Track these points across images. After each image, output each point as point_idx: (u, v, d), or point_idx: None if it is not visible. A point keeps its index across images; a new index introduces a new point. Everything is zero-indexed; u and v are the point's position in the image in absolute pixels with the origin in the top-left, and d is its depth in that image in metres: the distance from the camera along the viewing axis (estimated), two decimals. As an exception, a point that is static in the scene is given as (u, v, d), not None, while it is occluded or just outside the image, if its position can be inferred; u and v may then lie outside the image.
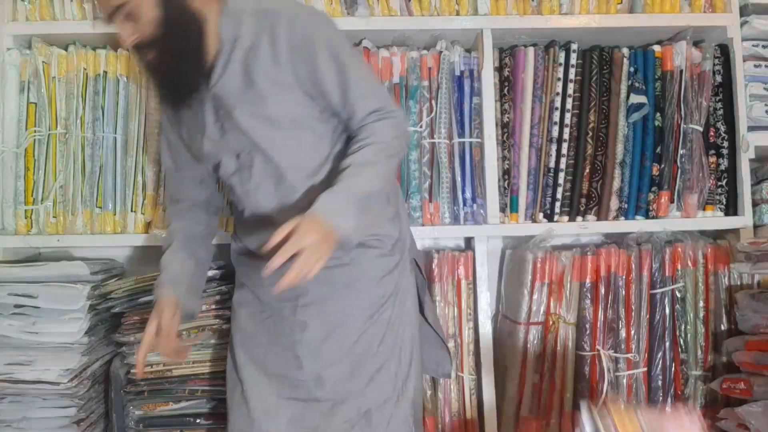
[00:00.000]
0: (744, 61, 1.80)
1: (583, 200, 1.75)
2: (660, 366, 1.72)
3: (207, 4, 1.22)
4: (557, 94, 1.76)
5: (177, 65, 1.21)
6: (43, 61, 1.72)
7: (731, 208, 1.79)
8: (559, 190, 1.75)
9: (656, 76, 1.80)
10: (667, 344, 1.72)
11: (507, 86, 1.78)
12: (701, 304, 1.73)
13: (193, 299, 1.38)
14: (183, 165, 1.41)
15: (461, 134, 1.76)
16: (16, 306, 1.55)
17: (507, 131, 1.77)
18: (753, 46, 1.81)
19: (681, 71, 1.78)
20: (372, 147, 1.20)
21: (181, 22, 1.19)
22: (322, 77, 1.22)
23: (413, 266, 1.41)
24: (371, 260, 1.29)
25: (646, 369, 1.72)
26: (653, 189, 1.77)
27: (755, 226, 1.76)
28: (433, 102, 1.76)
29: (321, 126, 1.28)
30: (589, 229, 1.76)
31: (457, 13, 1.78)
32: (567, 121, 1.76)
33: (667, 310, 1.73)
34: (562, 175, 1.75)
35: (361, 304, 1.28)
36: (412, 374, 1.30)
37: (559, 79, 1.77)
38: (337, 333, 1.27)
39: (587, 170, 1.75)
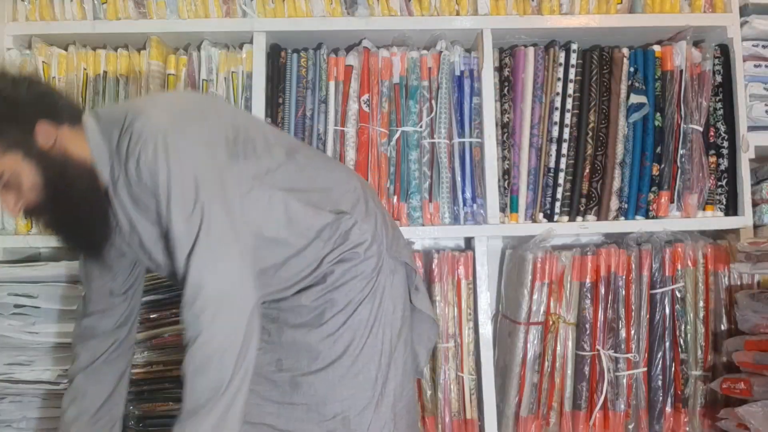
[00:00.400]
0: (744, 61, 1.80)
1: (583, 200, 1.75)
2: (660, 366, 1.72)
3: (81, 144, 1.12)
4: (557, 94, 1.76)
5: (80, 221, 1.14)
6: (43, 62, 1.72)
7: (731, 208, 1.79)
8: (559, 190, 1.75)
9: (656, 76, 1.80)
10: (667, 344, 1.72)
11: (507, 86, 1.78)
12: (701, 304, 1.73)
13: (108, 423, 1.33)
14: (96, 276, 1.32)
15: (461, 134, 1.76)
16: (16, 306, 1.55)
17: (507, 131, 1.77)
18: (753, 46, 1.81)
19: (681, 71, 1.78)
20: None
21: (68, 179, 1.09)
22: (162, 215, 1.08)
23: (398, 265, 1.34)
24: (347, 271, 1.25)
25: (646, 369, 1.72)
26: (653, 189, 1.77)
27: (755, 226, 1.76)
28: (433, 102, 1.77)
29: None
30: (589, 229, 1.76)
31: (457, 13, 1.78)
32: (567, 121, 1.76)
33: (667, 310, 1.73)
34: (562, 175, 1.75)
35: (336, 308, 1.25)
36: (391, 377, 1.26)
37: (559, 79, 1.77)
38: (313, 335, 1.24)
39: (587, 170, 1.75)
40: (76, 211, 1.12)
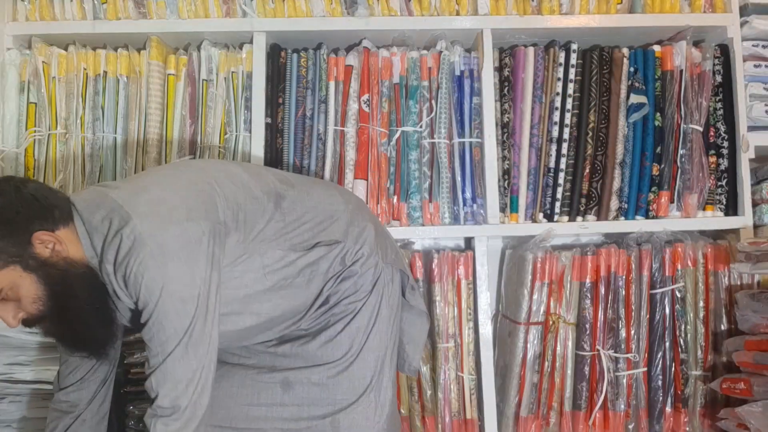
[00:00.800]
0: (744, 61, 1.80)
1: (583, 200, 1.75)
2: (660, 366, 1.72)
3: (76, 242, 1.09)
4: (557, 94, 1.76)
5: (87, 326, 1.12)
6: (43, 61, 1.73)
7: (731, 208, 1.79)
8: (559, 190, 1.75)
9: (656, 76, 1.80)
10: (667, 344, 1.72)
11: (507, 86, 1.78)
12: (701, 304, 1.73)
13: None
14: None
15: (461, 134, 1.76)
16: (16, 306, 1.55)
17: (507, 131, 1.77)
18: (753, 46, 1.81)
19: (681, 71, 1.78)
20: None
21: (72, 286, 1.07)
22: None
23: (395, 272, 1.36)
24: (348, 288, 1.28)
25: (646, 369, 1.72)
26: (653, 189, 1.77)
27: (755, 226, 1.76)
28: (433, 102, 1.77)
29: None
30: (589, 229, 1.76)
31: (457, 13, 1.78)
32: (567, 121, 1.76)
33: (667, 310, 1.73)
34: (562, 175, 1.75)
35: (333, 318, 1.28)
36: (384, 382, 1.28)
37: (559, 79, 1.77)
38: (312, 344, 1.26)
39: (587, 170, 1.75)
40: (82, 317, 1.10)
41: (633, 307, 1.71)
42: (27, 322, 1.09)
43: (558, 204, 1.75)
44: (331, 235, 1.27)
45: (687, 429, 1.72)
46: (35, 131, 1.72)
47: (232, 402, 1.26)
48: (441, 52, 1.78)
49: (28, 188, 1.09)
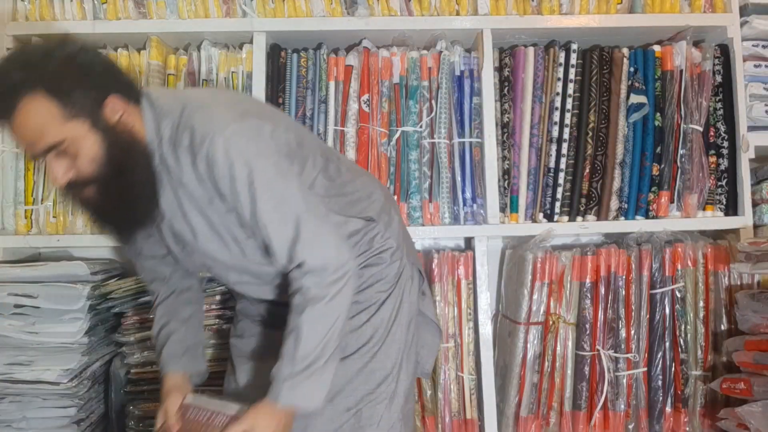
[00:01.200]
0: (744, 61, 1.80)
1: (583, 200, 1.75)
2: (660, 366, 1.72)
3: (140, 124, 1.11)
4: (557, 94, 1.76)
5: (130, 201, 1.11)
6: (43, 61, 1.72)
7: (731, 208, 1.79)
8: (559, 190, 1.75)
9: (656, 76, 1.80)
10: (667, 344, 1.72)
11: (507, 86, 1.78)
12: (701, 304, 1.73)
13: (198, 361, 1.37)
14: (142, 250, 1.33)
15: (461, 134, 1.76)
16: (16, 306, 1.55)
17: (507, 131, 1.77)
18: (753, 46, 1.81)
19: (681, 71, 1.78)
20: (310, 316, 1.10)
21: (131, 158, 1.08)
22: (241, 209, 1.10)
23: (415, 271, 1.38)
24: (373, 275, 1.28)
25: (646, 369, 1.72)
26: (653, 189, 1.77)
27: (755, 226, 1.76)
28: (433, 102, 1.77)
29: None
30: (589, 229, 1.76)
31: (457, 13, 1.78)
32: (567, 121, 1.76)
33: (667, 310, 1.73)
34: (562, 175, 1.75)
35: (360, 307, 1.27)
36: (402, 377, 1.29)
37: (559, 79, 1.77)
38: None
39: (587, 170, 1.75)
40: (129, 191, 1.10)
41: (633, 307, 1.71)
42: (73, 184, 1.07)
43: (558, 204, 1.75)
44: (367, 212, 1.27)
45: (687, 429, 1.72)
46: (35, 131, 1.72)
47: (257, 394, 1.26)
48: (441, 52, 1.78)
49: (109, 58, 1.14)
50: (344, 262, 1.11)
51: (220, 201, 1.11)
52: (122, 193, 1.10)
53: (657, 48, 1.81)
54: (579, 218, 1.76)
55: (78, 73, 1.04)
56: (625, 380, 1.71)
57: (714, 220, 1.77)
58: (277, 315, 1.29)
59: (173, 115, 1.10)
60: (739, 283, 1.75)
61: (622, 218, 1.77)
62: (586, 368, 1.71)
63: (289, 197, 1.09)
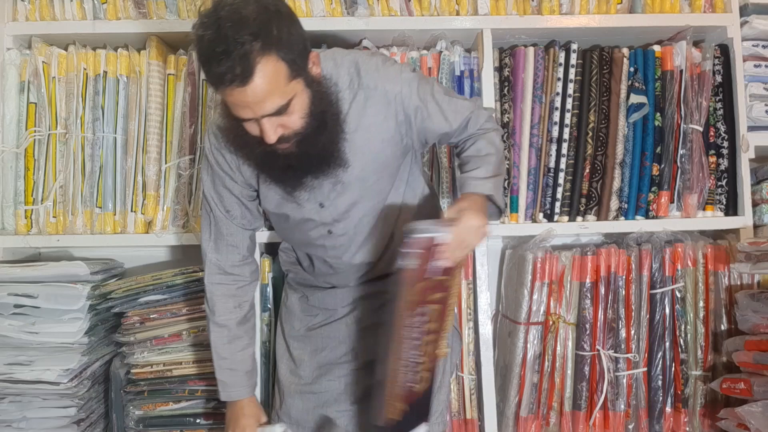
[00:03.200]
0: (744, 61, 1.80)
1: (583, 200, 1.75)
2: (660, 366, 1.72)
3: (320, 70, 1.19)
4: (557, 94, 1.76)
5: (324, 149, 1.17)
6: (43, 61, 1.72)
7: (731, 208, 1.79)
8: (559, 190, 1.75)
9: (656, 76, 1.80)
10: (667, 344, 1.72)
11: (507, 86, 1.78)
12: (701, 304, 1.73)
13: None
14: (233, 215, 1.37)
15: (461, 134, 1.76)
16: (16, 306, 1.55)
17: (507, 131, 1.77)
18: (753, 46, 1.81)
19: (681, 71, 1.78)
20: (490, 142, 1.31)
21: (329, 107, 1.16)
22: (432, 127, 1.29)
23: None
24: None
25: (646, 369, 1.72)
26: (653, 189, 1.77)
27: (755, 226, 1.76)
28: (433, 102, 1.76)
29: (398, 162, 1.33)
30: (589, 229, 1.76)
31: (457, 13, 1.78)
32: (567, 121, 1.76)
33: (667, 310, 1.73)
34: (562, 175, 1.75)
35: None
36: (447, 372, 1.37)
37: (559, 79, 1.77)
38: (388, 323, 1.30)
39: (587, 170, 1.75)
40: (327, 138, 1.16)
41: (633, 307, 1.72)
42: (282, 139, 1.11)
43: (558, 204, 1.75)
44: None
45: (687, 429, 1.72)
46: (35, 131, 1.72)
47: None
48: (441, 52, 1.78)
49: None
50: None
51: (398, 133, 1.26)
52: (321, 142, 1.15)
53: (657, 48, 1.81)
54: (579, 218, 1.76)
55: (297, 34, 1.08)
56: (625, 380, 1.71)
57: (714, 220, 1.77)
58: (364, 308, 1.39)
59: (346, 69, 1.21)
60: (739, 283, 1.75)
61: (622, 218, 1.77)
62: (586, 368, 1.71)
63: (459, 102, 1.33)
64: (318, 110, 1.13)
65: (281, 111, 1.07)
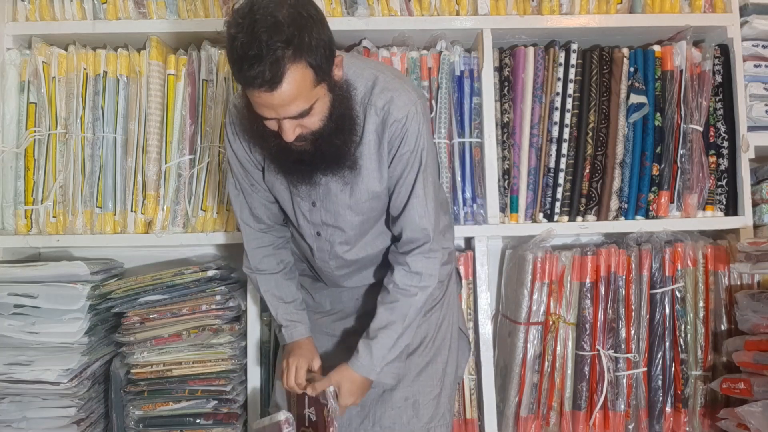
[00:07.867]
0: (744, 61, 1.80)
1: (583, 200, 1.75)
2: (660, 366, 1.72)
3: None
4: (557, 94, 1.76)
5: (338, 150, 1.18)
6: (43, 61, 1.72)
7: (731, 208, 1.79)
8: (559, 190, 1.75)
9: (656, 76, 1.80)
10: (667, 344, 1.72)
11: (507, 86, 1.78)
12: (701, 304, 1.73)
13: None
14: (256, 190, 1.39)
15: (461, 134, 1.76)
16: (16, 306, 1.55)
17: (507, 131, 1.77)
18: (753, 46, 1.81)
19: (681, 71, 1.78)
20: (408, 304, 1.29)
21: (348, 111, 1.17)
22: (393, 174, 1.26)
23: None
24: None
25: (646, 369, 1.72)
26: (653, 189, 1.77)
27: (755, 226, 1.76)
28: (433, 102, 1.76)
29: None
30: (589, 229, 1.76)
31: (457, 13, 1.78)
32: (567, 121, 1.76)
33: (667, 310, 1.73)
34: (562, 175, 1.75)
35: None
36: (450, 373, 1.40)
37: (559, 79, 1.77)
38: (394, 326, 1.31)
39: (587, 170, 1.75)
40: (342, 140, 1.17)
41: (633, 307, 1.71)
42: (299, 138, 1.13)
43: (558, 204, 1.75)
44: (447, 209, 1.48)
45: (687, 429, 1.72)
46: (35, 131, 1.72)
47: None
48: (441, 52, 1.78)
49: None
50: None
51: (386, 160, 1.24)
52: (336, 143, 1.16)
53: (657, 48, 1.81)
54: (579, 218, 1.76)
55: (326, 38, 1.08)
56: (625, 380, 1.71)
57: (714, 220, 1.77)
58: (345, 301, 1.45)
59: (365, 82, 1.21)
60: (739, 283, 1.75)
61: (622, 218, 1.77)
62: (586, 368, 1.71)
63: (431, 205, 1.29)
64: (337, 113, 1.15)
65: (303, 114, 1.09)
